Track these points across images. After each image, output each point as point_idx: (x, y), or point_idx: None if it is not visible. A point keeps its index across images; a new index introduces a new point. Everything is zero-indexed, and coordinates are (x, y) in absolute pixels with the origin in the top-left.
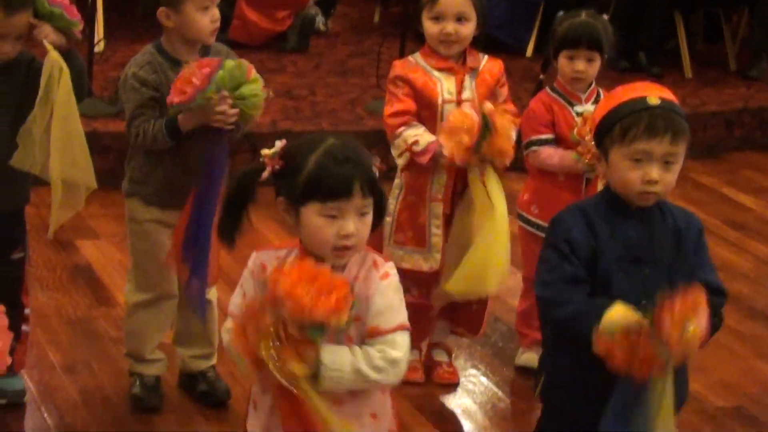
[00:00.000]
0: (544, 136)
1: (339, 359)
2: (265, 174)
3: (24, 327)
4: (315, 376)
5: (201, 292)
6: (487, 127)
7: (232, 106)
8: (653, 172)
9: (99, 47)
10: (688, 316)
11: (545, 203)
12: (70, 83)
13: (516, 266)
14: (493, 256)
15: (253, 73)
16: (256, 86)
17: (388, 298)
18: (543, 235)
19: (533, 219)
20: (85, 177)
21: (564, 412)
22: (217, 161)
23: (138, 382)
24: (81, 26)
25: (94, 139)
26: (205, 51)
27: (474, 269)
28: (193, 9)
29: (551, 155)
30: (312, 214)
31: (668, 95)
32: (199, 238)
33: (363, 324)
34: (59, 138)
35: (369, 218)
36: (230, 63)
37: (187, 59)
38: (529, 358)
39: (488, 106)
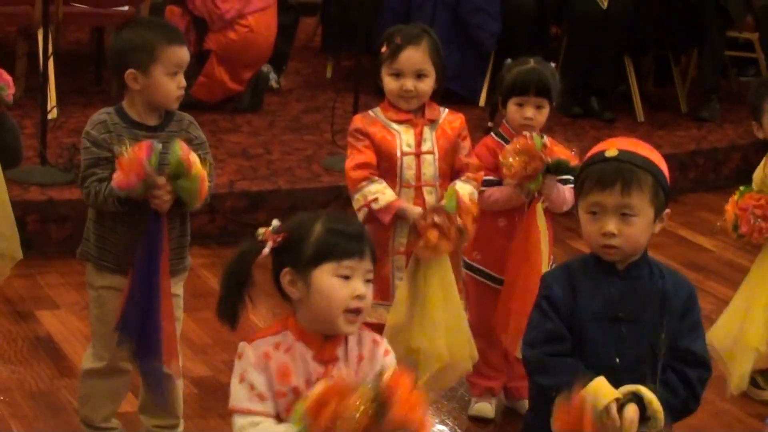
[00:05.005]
0: (488, 178)
1: None
2: (267, 250)
3: None
4: None
5: (158, 373)
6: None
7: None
8: (609, 225)
9: (52, 114)
10: None
11: (486, 249)
12: None
13: None
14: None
15: (195, 168)
16: (193, 184)
17: None
18: (485, 280)
19: (476, 264)
20: (10, 247)
21: None
22: (153, 238)
23: None
24: (11, 90)
25: (50, 208)
26: (168, 116)
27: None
28: (162, 73)
29: (492, 193)
30: (326, 276)
31: (635, 148)
32: (144, 314)
33: None
34: None
35: (371, 289)
36: (174, 158)
37: (149, 123)
38: (482, 407)
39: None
